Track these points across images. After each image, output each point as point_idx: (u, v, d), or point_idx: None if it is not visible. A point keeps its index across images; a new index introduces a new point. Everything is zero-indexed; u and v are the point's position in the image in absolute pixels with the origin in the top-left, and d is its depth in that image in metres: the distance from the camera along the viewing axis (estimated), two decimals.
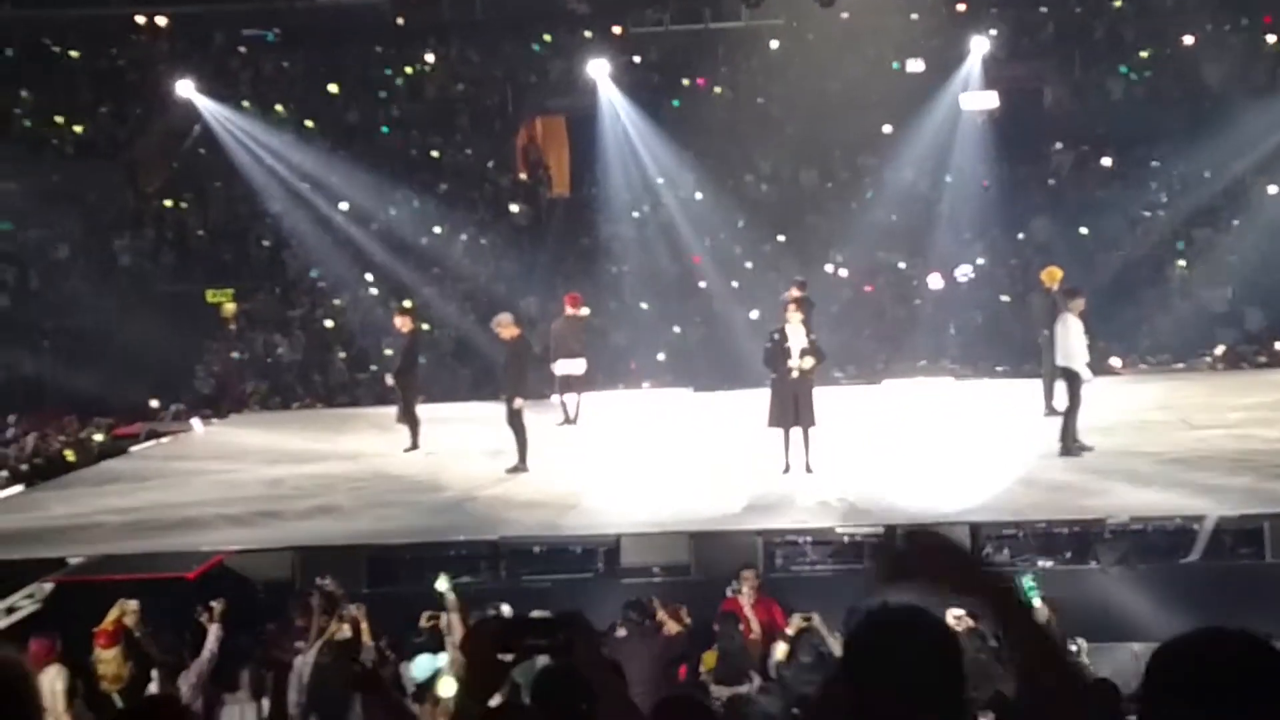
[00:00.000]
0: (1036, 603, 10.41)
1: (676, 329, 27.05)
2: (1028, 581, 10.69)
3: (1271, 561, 12.75)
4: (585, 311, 21.16)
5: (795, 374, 15.21)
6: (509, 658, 3.03)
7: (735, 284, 27.35)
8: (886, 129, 28.67)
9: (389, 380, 18.91)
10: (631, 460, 17.30)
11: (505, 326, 16.95)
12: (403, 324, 18.86)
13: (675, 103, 29.95)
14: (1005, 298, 25.55)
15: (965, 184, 28.06)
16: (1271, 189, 26.68)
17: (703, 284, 27.77)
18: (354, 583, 12.75)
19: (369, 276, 28.21)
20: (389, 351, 25.20)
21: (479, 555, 14.04)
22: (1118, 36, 29.46)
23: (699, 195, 28.77)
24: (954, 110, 28.12)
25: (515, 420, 16.63)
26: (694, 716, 4.60)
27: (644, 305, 27.34)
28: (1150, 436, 16.96)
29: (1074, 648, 10.45)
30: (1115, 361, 22.83)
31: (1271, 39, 28.14)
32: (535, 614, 3.33)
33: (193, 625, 11.37)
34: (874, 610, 2.87)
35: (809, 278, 23.15)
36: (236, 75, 31.30)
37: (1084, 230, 26.72)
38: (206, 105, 28.87)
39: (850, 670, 2.79)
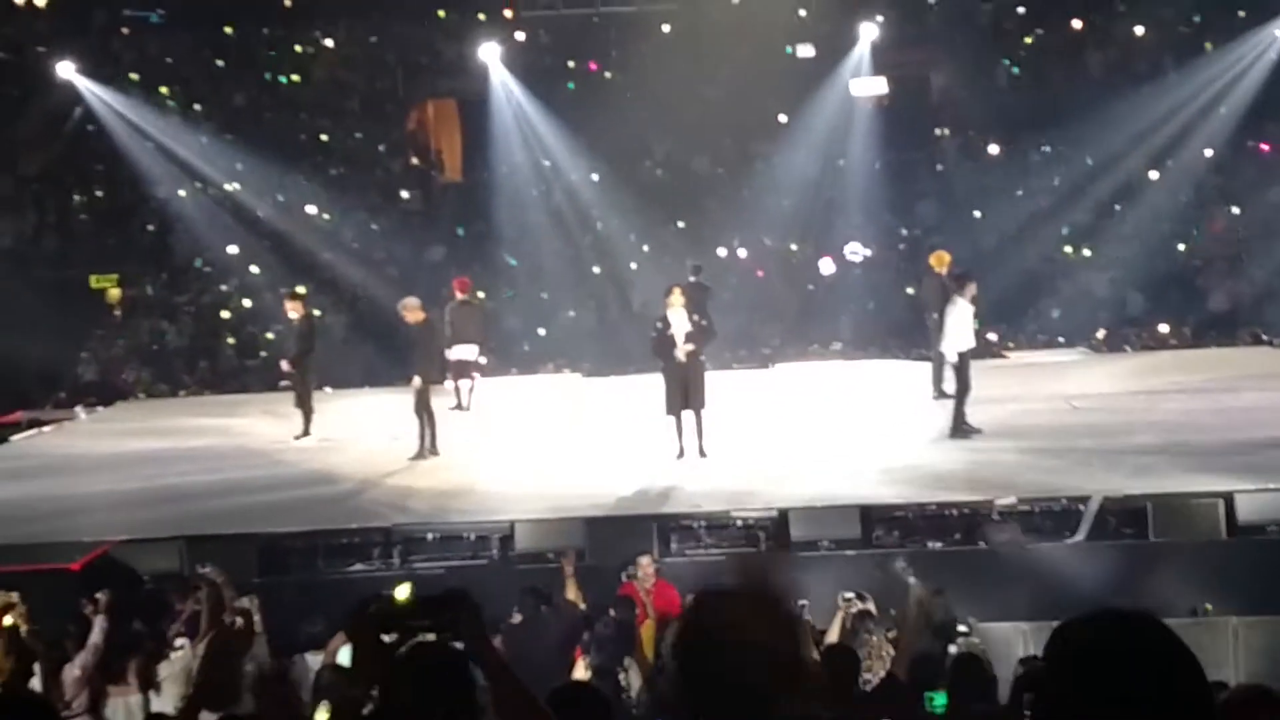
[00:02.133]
0: (913, 581, 10.54)
1: (571, 314, 27.03)
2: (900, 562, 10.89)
3: (1154, 541, 13.03)
4: (481, 296, 21.03)
5: (683, 357, 15.27)
6: (392, 639, 2.97)
7: (631, 267, 27.37)
8: (782, 118, 28.80)
9: (285, 365, 18.65)
10: (526, 446, 17.25)
11: (411, 310, 16.80)
12: (294, 309, 18.63)
13: (573, 84, 29.82)
14: (909, 290, 25.81)
15: (855, 169, 28.30)
16: (1153, 175, 27.25)
17: (596, 269, 27.75)
18: (245, 572, 12.56)
19: (258, 261, 27.80)
20: (270, 335, 24.91)
21: (372, 543, 13.94)
22: (1003, 24, 29.86)
23: (593, 180, 28.71)
24: (844, 96, 28.33)
25: (421, 405, 16.50)
26: (588, 703, 4.57)
27: (536, 291, 27.28)
28: (1036, 419, 17.24)
29: (964, 627, 10.59)
30: (993, 337, 23.24)
31: (1140, 30, 28.68)
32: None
33: (77, 617, 11.12)
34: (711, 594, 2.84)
35: (703, 263, 23.22)
36: (119, 56, 30.62)
37: (972, 215, 27.10)
38: (88, 87, 28.20)
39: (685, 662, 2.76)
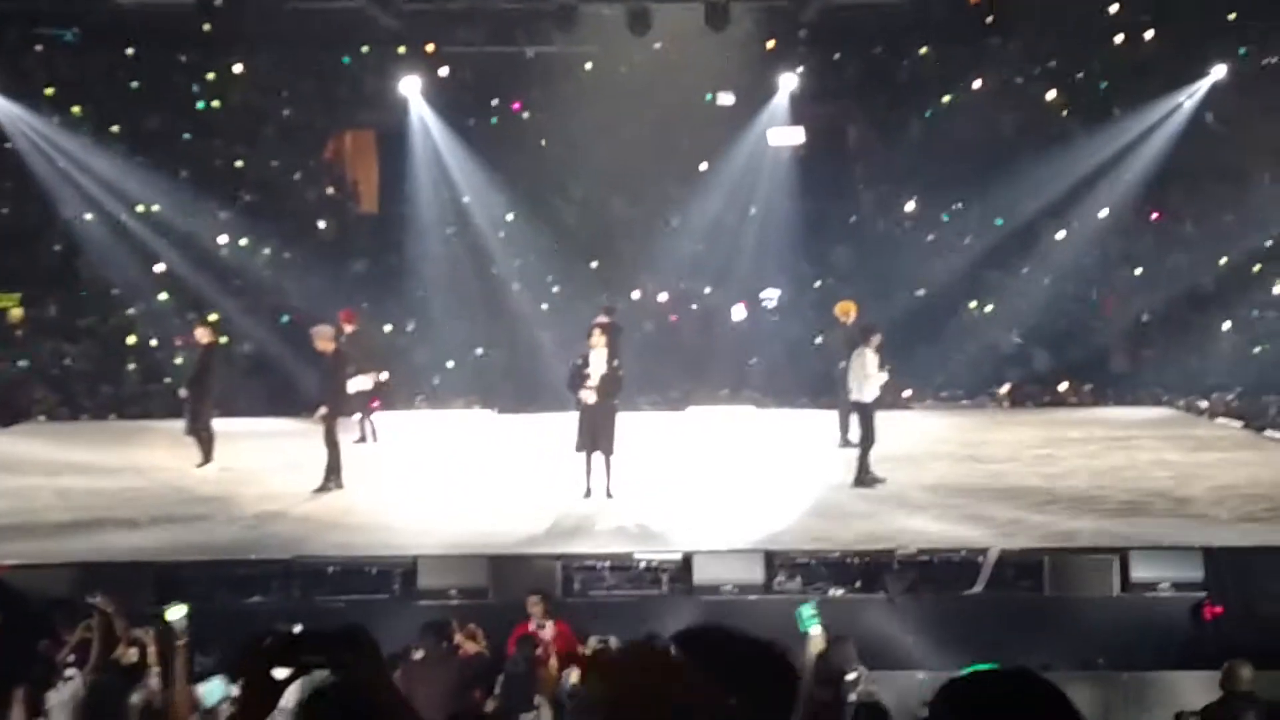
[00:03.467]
0: (815, 630, 10.58)
1: (480, 350, 26.97)
2: (808, 610, 10.85)
3: (1049, 594, 13.25)
4: (387, 328, 20.90)
5: (590, 400, 15.31)
6: (285, 674, 2.92)
7: (544, 307, 27.36)
8: (702, 166, 28.99)
9: (182, 392, 18.43)
10: (432, 481, 17.18)
11: (324, 339, 16.70)
12: (203, 335, 18.45)
13: (493, 120, 29.81)
14: (817, 340, 26.02)
15: (771, 217, 28.54)
16: (1059, 235, 27.77)
17: (510, 306, 27.69)
18: (141, 601, 12.35)
19: (164, 286, 27.44)
20: (179, 360, 24.63)
21: (271, 575, 13.77)
22: (919, 80, 30.33)
23: (509, 217, 28.72)
24: (762, 145, 28.61)
25: (329, 436, 16.38)
26: None
27: (448, 326, 27.18)
28: (940, 470, 17.47)
29: (853, 675, 10.64)
30: (907, 394, 23.62)
31: (1051, 95, 29.26)
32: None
33: None
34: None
35: (616, 304, 23.27)
36: (31, 74, 30.19)
37: (883, 267, 27.43)
38: None
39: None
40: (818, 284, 28.14)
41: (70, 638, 11.20)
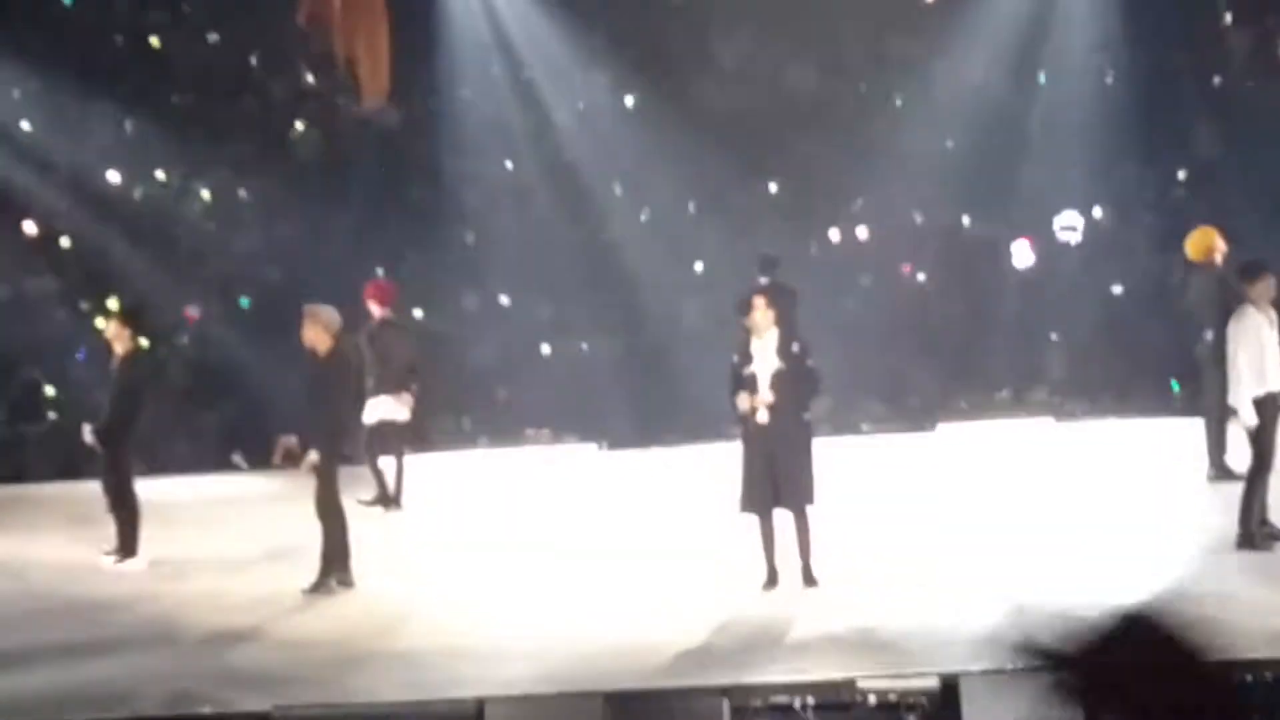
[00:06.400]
0: None
1: (572, 345, 27.11)
2: None
3: None
4: (418, 314, 21.07)
5: (761, 415, 15.20)
6: None
7: (682, 264, 27.40)
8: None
9: (88, 437, 18.68)
10: (502, 568, 17.28)
11: (322, 328, 16.67)
12: (117, 337, 18.64)
13: None
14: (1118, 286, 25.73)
15: (1071, 88, 28.29)
16: None
17: (622, 261, 27.74)
18: None
19: (41, 260, 28.00)
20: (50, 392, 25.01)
21: None
22: None
23: (619, 109, 28.78)
24: None
25: (327, 500, 16.47)
26: None
27: (519, 302, 27.35)
28: None
29: None
30: None
31: None
32: None
33: None
34: None
35: (796, 248, 23.20)
36: None
37: (1273, 163, 27.07)
38: None
39: None
40: (1159, 194, 27.84)
41: None
